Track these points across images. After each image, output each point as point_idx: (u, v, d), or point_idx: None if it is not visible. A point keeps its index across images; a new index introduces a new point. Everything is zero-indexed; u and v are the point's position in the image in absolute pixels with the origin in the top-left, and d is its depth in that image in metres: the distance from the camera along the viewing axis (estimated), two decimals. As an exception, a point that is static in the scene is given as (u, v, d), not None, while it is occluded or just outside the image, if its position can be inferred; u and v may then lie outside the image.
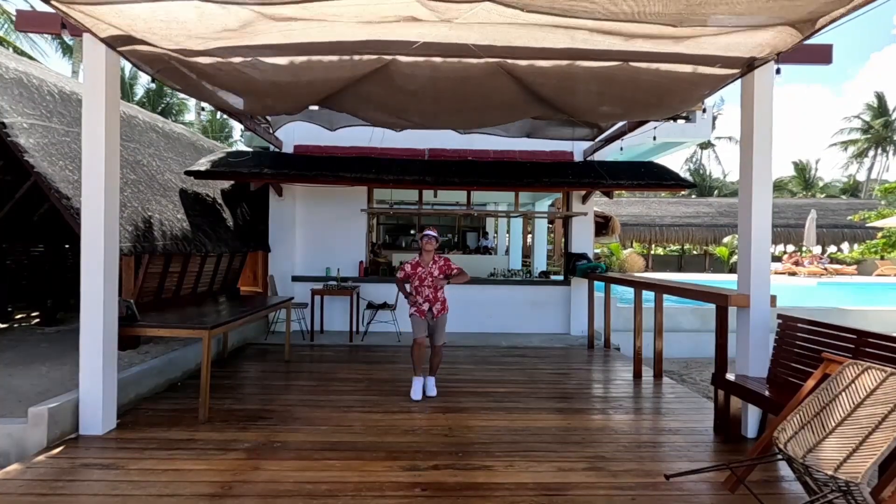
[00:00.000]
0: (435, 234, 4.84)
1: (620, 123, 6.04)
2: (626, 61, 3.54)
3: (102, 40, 3.44)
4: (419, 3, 2.69)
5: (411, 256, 11.15)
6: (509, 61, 3.61)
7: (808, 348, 3.43)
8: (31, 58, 13.54)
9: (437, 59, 3.61)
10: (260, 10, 2.87)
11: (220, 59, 3.48)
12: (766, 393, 3.38)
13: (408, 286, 4.92)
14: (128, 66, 22.09)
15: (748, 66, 3.63)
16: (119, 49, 3.55)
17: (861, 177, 37.31)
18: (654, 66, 3.60)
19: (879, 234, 18.86)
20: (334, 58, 3.56)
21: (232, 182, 8.30)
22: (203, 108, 25.30)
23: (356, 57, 3.58)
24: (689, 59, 3.51)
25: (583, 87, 3.98)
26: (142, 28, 3.14)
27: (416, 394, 4.66)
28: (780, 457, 2.36)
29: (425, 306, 4.75)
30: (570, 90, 4.09)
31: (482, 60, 3.57)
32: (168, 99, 23.83)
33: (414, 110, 4.86)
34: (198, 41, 3.21)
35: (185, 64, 3.56)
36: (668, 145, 10.18)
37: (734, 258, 20.46)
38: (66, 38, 15.60)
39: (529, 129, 6.02)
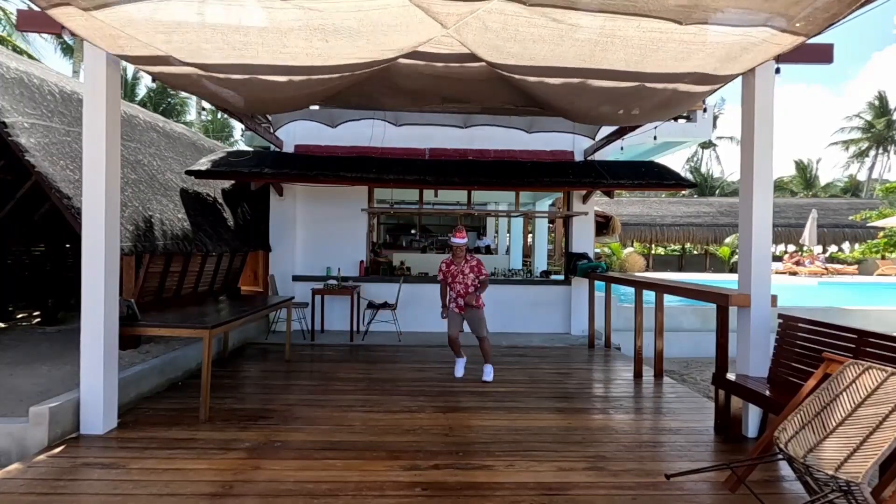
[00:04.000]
0: (461, 242, 5.24)
1: (621, 123, 6.04)
2: (643, 83, 3.54)
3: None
4: (422, 10, 2.69)
5: (412, 256, 11.08)
6: (516, 76, 3.61)
7: (808, 348, 3.42)
8: (31, 57, 13.56)
9: (439, 65, 3.60)
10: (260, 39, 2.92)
11: (219, 75, 3.49)
12: (767, 393, 3.38)
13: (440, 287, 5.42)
14: (129, 68, 22.15)
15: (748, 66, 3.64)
16: (120, 55, 3.56)
17: (862, 176, 37.30)
18: (670, 86, 3.61)
19: (880, 234, 18.83)
20: (335, 74, 3.58)
21: (232, 182, 8.30)
22: (203, 109, 25.37)
23: (357, 72, 3.60)
24: (698, 80, 3.51)
25: (587, 97, 3.98)
26: (141, 44, 3.16)
27: (457, 372, 5.41)
28: (780, 457, 2.36)
29: (460, 300, 5.23)
30: (573, 100, 4.10)
31: (483, 65, 3.57)
32: (169, 99, 23.87)
33: (414, 101, 4.86)
34: (198, 55, 3.22)
35: (186, 69, 3.57)
36: (669, 145, 10.16)
37: (735, 258, 20.45)
38: (67, 38, 15.63)
39: (531, 123, 6.03)
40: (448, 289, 5.33)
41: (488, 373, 5.29)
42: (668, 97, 3.86)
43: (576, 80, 3.59)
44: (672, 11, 2.69)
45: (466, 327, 5.38)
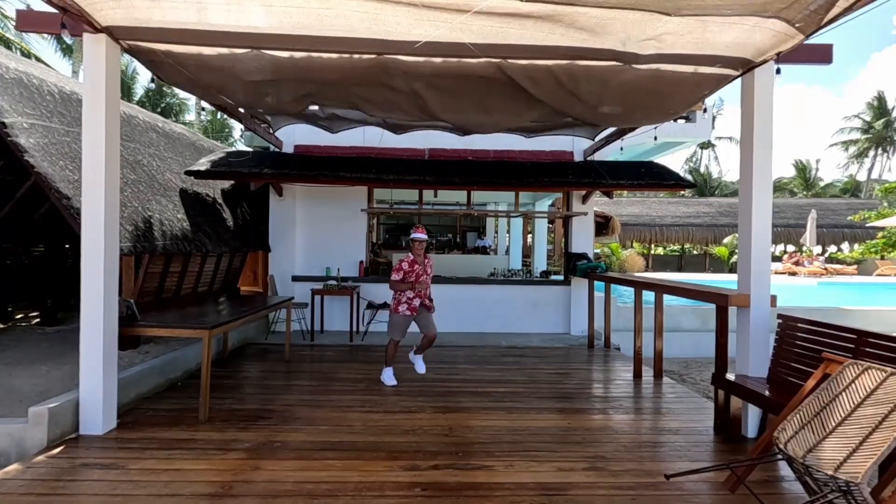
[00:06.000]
0: (425, 237, 5.13)
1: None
2: (628, 63, 3.53)
3: (103, 29, 3.45)
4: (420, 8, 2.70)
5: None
6: (509, 60, 3.61)
7: (808, 348, 3.43)
8: (39, 60, 13.55)
9: (437, 60, 3.61)
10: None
11: (219, 51, 3.49)
12: (767, 393, 3.38)
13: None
14: (128, 68, 22.13)
15: (748, 65, 3.64)
16: (119, 40, 3.56)
17: (861, 177, 37.32)
18: (654, 66, 3.59)
19: (879, 234, 18.86)
20: (333, 55, 3.58)
21: (232, 182, 8.30)
22: (203, 109, 25.34)
23: (356, 55, 3.59)
24: (689, 60, 3.51)
25: (583, 87, 3.98)
26: (141, 14, 3.17)
27: (390, 380, 5.12)
28: (780, 457, 2.36)
29: (416, 302, 5.05)
30: (569, 91, 4.10)
31: (481, 60, 3.57)
32: (168, 99, 23.82)
33: (413, 109, 4.87)
34: (197, 26, 3.24)
35: (184, 56, 3.58)
36: (669, 145, 10.18)
37: (734, 258, 20.46)
38: (66, 38, 15.58)
39: (530, 127, 6.01)
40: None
41: (422, 365, 5.44)
42: (656, 80, 3.83)
43: (564, 62, 3.59)
44: (664, 5, 2.70)
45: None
